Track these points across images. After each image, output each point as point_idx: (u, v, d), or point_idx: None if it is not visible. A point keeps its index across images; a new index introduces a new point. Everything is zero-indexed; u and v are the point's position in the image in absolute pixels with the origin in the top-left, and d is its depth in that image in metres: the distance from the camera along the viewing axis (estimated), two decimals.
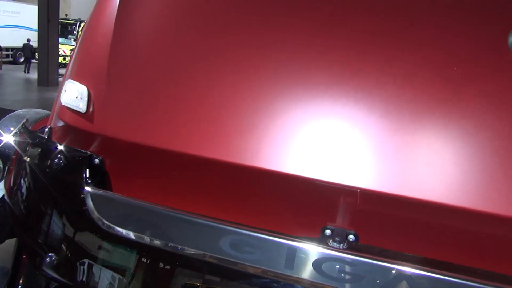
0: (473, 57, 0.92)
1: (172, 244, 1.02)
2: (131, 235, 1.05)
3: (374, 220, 0.96)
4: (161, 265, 1.08)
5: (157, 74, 1.08)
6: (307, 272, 0.94)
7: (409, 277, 0.90)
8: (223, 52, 1.04)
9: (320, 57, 0.98)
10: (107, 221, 1.07)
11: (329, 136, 0.92)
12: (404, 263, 0.91)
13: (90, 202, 1.09)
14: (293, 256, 0.95)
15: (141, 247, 1.07)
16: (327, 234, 0.97)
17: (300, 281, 0.94)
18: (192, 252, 1.00)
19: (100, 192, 1.11)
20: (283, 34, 1.01)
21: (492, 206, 0.82)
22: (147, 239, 1.04)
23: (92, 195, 1.10)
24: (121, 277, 1.08)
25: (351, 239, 0.96)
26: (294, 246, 0.95)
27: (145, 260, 1.09)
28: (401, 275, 0.90)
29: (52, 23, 12.49)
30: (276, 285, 0.97)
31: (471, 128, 0.87)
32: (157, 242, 1.03)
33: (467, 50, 0.92)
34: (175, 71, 1.07)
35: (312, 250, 0.94)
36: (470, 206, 0.84)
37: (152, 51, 1.11)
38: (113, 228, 1.06)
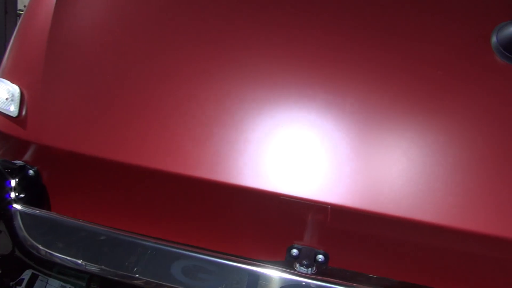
0: (450, 60, 0.84)
1: (115, 272, 0.87)
2: (69, 262, 0.90)
3: (345, 238, 0.86)
4: None
5: (101, 74, 0.94)
6: None
7: None
8: (175, 53, 0.92)
9: (285, 65, 0.87)
10: (39, 244, 0.91)
11: (294, 148, 0.81)
12: None
13: (18, 222, 0.93)
14: (255, 282, 0.83)
15: (81, 276, 0.91)
16: (294, 254, 0.86)
17: None
18: (140, 280, 0.86)
19: (31, 210, 0.94)
20: (243, 39, 0.90)
21: (476, 224, 0.74)
22: (87, 266, 0.89)
23: (22, 213, 0.93)
24: None
25: (320, 260, 0.85)
26: (256, 271, 0.83)
27: None
28: None
29: (9, 14, 11.92)
30: None
31: (446, 142, 0.79)
32: (100, 270, 0.88)
33: (445, 53, 0.84)
34: (122, 72, 0.93)
35: (276, 276, 0.82)
36: (445, 223, 0.76)
37: (97, 49, 0.97)
38: (47, 254, 0.90)
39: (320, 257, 0.86)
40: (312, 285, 0.81)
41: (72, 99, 0.95)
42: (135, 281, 0.87)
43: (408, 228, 0.79)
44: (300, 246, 0.86)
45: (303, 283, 0.81)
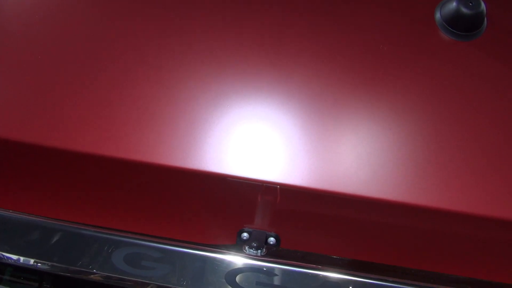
0: (396, 38, 0.84)
1: (67, 267, 0.80)
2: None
3: (297, 220, 0.83)
4: None
5: (39, 51, 0.86)
6: (221, 286, 0.79)
7: (336, 284, 0.78)
8: (119, 32, 0.86)
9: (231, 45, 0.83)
10: None
11: (241, 128, 0.78)
12: (330, 267, 0.79)
13: None
14: (202, 268, 0.79)
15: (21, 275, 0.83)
16: (244, 238, 0.82)
17: None
18: (93, 274, 0.79)
19: None
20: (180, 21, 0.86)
21: (424, 199, 0.73)
22: (38, 264, 0.81)
23: None
24: None
25: (271, 242, 0.82)
26: (203, 256, 0.79)
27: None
28: (327, 283, 0.78)
29: None
30: None
31: (394, 119, 0.79)
32: (50, 267, 0.80)
33: (390, 30, 0.84)
34: (64, 51, 0.86)
35: (225, 260, 0.79)
36: (399, 199, 0.75)
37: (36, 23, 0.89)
38: None
39: (272, 239, 0.83)
40: (260, 267, 0.78)
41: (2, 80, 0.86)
42: (88, 276, 0.80)
43: (358, 206, 0.77)
44: (250, 230, 0.83)
45: (252, 265, 0.78)
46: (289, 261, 0.79)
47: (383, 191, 0.75)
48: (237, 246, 0.82)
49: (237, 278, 0.79)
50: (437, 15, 0.82)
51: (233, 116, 0.77)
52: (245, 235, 0.83)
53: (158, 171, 0.77)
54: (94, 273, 0.79)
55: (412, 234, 0.81)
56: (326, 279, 0.78)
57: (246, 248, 0.80)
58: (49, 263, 0.79)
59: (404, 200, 0.74)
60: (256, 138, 0.77)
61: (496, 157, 0.77)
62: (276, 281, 0.78)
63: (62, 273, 0.81)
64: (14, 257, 0.83)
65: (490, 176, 0.75)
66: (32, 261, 0.80)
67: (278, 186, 0.78)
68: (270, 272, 0.78)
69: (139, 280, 0.79)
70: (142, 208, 0.84)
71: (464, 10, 0.80)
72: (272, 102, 0.78)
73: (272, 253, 0.81)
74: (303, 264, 0.79)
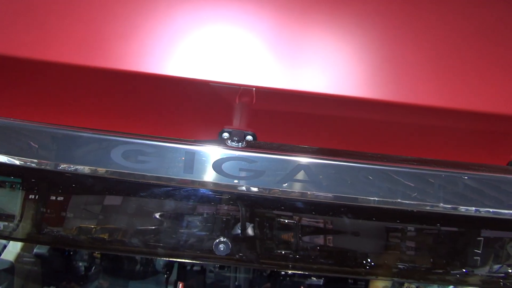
0: None
1: (59, 165, 0.90)
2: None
3: (271, 118, 0.98)
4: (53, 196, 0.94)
5: None
6: (207, 174, 0.90)
7: (306, 166, 0.92)
8: None
9: None
10: None
11: (217, 35, 0.92)
12: (302, 154, 0.93)
13: None
14: (191, 159, 0.91)
15: (24, 176, 0.92)
16: (225, 137, 0.96)
17: (202, 183, 0.90)
18: (84, 169, 0.89)
19: None
20: None
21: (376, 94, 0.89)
22: (28, 162, 0.90)
23: None
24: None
25: (249, 139, 0.96)
26: (191, 149, 0.91)
27: (32, 194, 0.94)
28: (299, 166, 0.92)
29: None
30: (179, 191, 0.91)
31: (367, 23, 0.94)
32: (41, 164, 0.89)
33: None
34: None
35: (210, 152, 0.91)
36: (355, 95, 0.91)
37: None
38: None
39: (249, 137, 0.97)
40: (242, 156, 0.91)
41: None
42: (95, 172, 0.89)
43: (323, 102, 0.93)
44: (230, 130, 0.97)
45: (235, 155, 0.91)
46: (266, 150, 0.93)
47: (344, 88, 0.91)
48: (219, 141, 0.95)
49: (223, 166, 0.91)
50: None
51: (212, 24, 0.93)
52: (225, 134, 0.96)
53: (146, 80, 0.90)
54: (97, 170, 0.89)
55: (364, 124, 0.97)
56: (298, 163, 0.92)
57: (228, 141, 0.93)
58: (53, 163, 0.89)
59: (361, 95, 0.91)
60: (232, 44, 0.92)
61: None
62: (257, 166, 0.91)
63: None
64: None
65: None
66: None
67: (254, 89, 0.93)
68: (251, 160, 0.91)
69: (136, 173, 0.89)
70: (137, 113, 0.96)
71: None
72: (246, 8, 0.92)
73: (251, 145, 0.94)
74: (279, 152, 0.93)
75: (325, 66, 0.93)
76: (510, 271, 0.98)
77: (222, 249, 0.91)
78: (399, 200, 0.88)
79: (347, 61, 0.92)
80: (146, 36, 0.90)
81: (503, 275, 0.98)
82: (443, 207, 0.91)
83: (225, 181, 0.90)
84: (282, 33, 0.93)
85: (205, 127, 0.98)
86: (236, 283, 1.53)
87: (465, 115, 0.95)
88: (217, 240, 0.92)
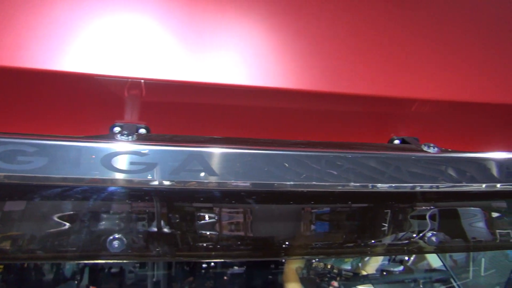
0: None
1: None
2: None
3: (164, 110, 0.97)
4: None
5: None
6: (96, 170, 0.88)
7: (199, 156, 0.92)
8: None
9: None
10: None
11: (101, 26, 0.90)
12: (195, 144, 0.94)
13: None
14: (77, 156, 0.88)
15: None
16: (116, 131, 0.94)
17: (91, 180, 0.87)
18: None
19: None
20: None
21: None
22: None
23: None
24: None
25: (142, 133, 0.95)
26: (77, 146, 0.88)
27: None
28: (192, 155, 0.92)
29: None
30: (66, 191, 0.87)
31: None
32: None
33: None
34: None
35: (98, 147, 0.89)
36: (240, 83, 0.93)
37: None
38: None
39: (142, 130, 0.95)
40: (132, 149, 0.89)
41: None
42: None
43: (213, 92, 0.95)
44: (121, 124, 0.95)
45: (124, 148, 0.89)
46: (158, 142, 0.92)
47: (230, 77, 0.93)
48: (110, 136, 0.93)
49: (112, 161, 0.89)
50: None
51: (93, 15, 0.90)
52: (117, 129, 0.94)
53: (27, 75, 0.86)
54: None
55: (255, 111, 1.00)
56: (191, 153, 0.92)
57: (118, 135, 0.91)
58: None
59: (248, 83, 0.94)
60: (116, 35, 0.90)
61: None
62: (148, 159, 0.90)
63: None
64: None
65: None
66: None
67: (142, 81, 0.92)
68: (141, 152, 0.90)
69: (16, 174, 0.84)
70: (23, 111, 0.91)
71: None
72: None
73: (142, 138, 0.93)
74: (171, 143, 0.93)
75: (213, 55, 0.94)
76: (411, 237, 1.05)
77: (116, 245, 0.89)
78: (287, 182, 0.91)
79: (233, 50, 0.94)
80: (23, 29, 0.86)
81: (406, 241, 1.05)
82: (340, 185, 0.96)
83: (115, 176, 0.88)
84: (169, 23, 0.93)
85: (96, 123, 0.95)
86: (154, 280, 1.51)
87: (349, 98, 1.01)
88: (111, 237, 0.89)
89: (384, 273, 1.60)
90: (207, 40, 0.94)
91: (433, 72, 1.02)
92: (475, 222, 1.02)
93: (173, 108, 0.98)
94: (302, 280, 1.38)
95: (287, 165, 0.90)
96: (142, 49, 0.91)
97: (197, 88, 0.94)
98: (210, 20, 0.95)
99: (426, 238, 0.98)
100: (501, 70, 1.09)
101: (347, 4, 1.00)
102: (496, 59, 1.10)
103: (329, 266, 1.37)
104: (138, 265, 1.60)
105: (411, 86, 1.00)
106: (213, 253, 0.98)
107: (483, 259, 1.45)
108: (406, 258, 1.69)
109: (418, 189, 0.93)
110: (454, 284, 1.46)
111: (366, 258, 1.46)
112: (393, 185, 0.93)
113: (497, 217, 1.04)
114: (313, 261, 1.41)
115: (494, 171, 0.99)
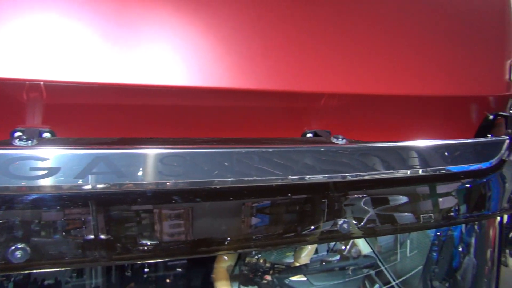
0: None
1: None
2: None
3: (70, 112, 0.95)
4: None
5: None
6: None
7: (105, 158, 0.91)
8: None
9: None
10: None
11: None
12: (101, 146, 0.92)
13: None
14: None
15: None
16: (15, 137, 0.90)
17: None
18: None
19: None
20: None
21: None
22: None
23: None
24: None
25: (45, 137, 0.92)
26: None
27: None
28: (97, 158, 0.90)
29: None
30: None
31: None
32: None
33: None
34: None
35: None
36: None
37: None
38: None
39: (47, 134, 0.92)
40: (32, 154, 0.86)
41: None
42: None
43: (118, 92, 0.93)
44: (23, 129, 0.91)
45: (23, 154, 0.86)
46: (61, 146, 0.89)
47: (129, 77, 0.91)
48: (8, 142, 0.89)
49: (10, 168, 0.85)
50: None
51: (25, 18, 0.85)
52: (18, 133, 0.90)
53: None
54: None
55: (162, 110, 1.00)
56: (96, 156, 0.90)
57: (16, 141, 0.88)
58: None
59: (151, 83, 0.92)
60: (11, 36, 0.86)
61: None
62: (49, 163, 0.87)
63: None
64: None
65: None
66: None
67: (42, 83, 0.88)
68: (41, 158, 0.87)
69: None
70: None
71: None
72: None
73: (43, 142, 0.90)
74: (75, 146, 0.90)
75: (112, 54, 0.91)
76: (324, 226, 1.06)
77: (19, 255, 0.86)
78: (184, 180, 0.90)
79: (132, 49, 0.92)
80: None
81: (320, 230, 1.06)
82: (251, 180, 0.98)
83: (14, 183, 0.85)
84: (68, 23, 0.90)
85: None
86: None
87: (260, 95, 1.03)
88: (13, 247, 0.86)
89: (324, 263, 1.64)
90: (104, 41, 0.91)
91: (340, 66, 1.06)
92: (383, 207, 1.07)
93: (79, 110, 0.95)
94: (236, 277, 1.40)
95: (191, 163, 0.90)
96: (42, 48, 0.87)
97: (104, 89, 0.92)
98: (104, 20, 0.92)
99: (338, 225, 1.02)
100: (407, 63, 1.15)
101: (252, 2, 1.02)
102: (404, 52, 1.16)
103: (261, 261, 1.40)
104: (75, 274, 1.55)
105: (318, 80, 1.04)
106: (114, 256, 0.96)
107: (408, 241, 1.53)
108: (343, 247, 1.76)
109: (325, 179, 0.97)
110: (382, 267, 1.53)
111: (298, 251, 1.50)
112: (301, 177, 0.96)
113: (404, 202, 1.10)
114: (247, 257, 1.43)
115: (399, 159, 1.05)
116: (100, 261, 0.94)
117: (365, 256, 1.53)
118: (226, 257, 1.35)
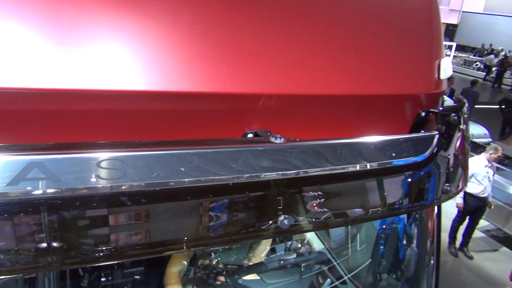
0: None
1: None
2: None
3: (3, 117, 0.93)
4: None
5: None
6: None
7: (39, 163, 0.90)
8: None
9: None
10: None
11: None
12: (33, 152, 0.91)
13: None
14: None
15: None
16: None
17: None
18: None
19: None
20: None
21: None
22: None
23: None
24: None
25: None
26: None
27: None
28: (30, 164, 0.90)
29: None
30: None
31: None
32: None
33: None
34: None
35: None
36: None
37: None
38: None
39: None
40: None
41: None
42: None
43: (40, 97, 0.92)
44: None
45: None
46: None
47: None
48: None
49: None
50: None
51: None
52: None
53: None
54: None
55: (99, 114, 1.00)
56: (29, 162, 0.89)
57: None
58: None
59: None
60: None
61: None
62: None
63: None
64: None
65: None
66: None
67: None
68: None
69: None
70: None
71: None
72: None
73: None
74: (7, 152, 0.89)
75: (45, 58, 0.90)
76: (265, 223, 1.07)
77: None
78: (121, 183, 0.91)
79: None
80: None
81: (262, 227, 1.07)
82: (193, 181, 0.99)
83: None
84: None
85: None
86: None
87: (200, 97, 1.05)
88: None
89: (282, 262, 1.68)
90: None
91: (277, 68, 1.10)
92: (322, 202, 1.12)
93: (13, 115, 0.94)
94: (190, 280, 1.40)
95: (128, 166, 0.91)
96: None
97: (38, 94, 0.92)
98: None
99: (278, 221, 1.05)
100: (342, 63, 1.21)
101: (190, 3, 1.04)
102: (339, 53, 1.22)
103: (214, 262, 1.41)
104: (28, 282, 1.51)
105: (255, 82, 1.07)
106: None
107: (358, 235, 1.59)
108: (299, 245, 1.80)
109: (263, 178, 1.00)
110: (334, 263, 1.58)
111: (250, 250, 1.53)
112: (240, 176, 0.99)
113: (343, 196, 1.15)
114: (200, 259, 1.44)
115: (335, 156, 1.10)
116: (44, 268, 0.93)
117: (319, 253, 1.57)
118: (177, 261, 1.36)
